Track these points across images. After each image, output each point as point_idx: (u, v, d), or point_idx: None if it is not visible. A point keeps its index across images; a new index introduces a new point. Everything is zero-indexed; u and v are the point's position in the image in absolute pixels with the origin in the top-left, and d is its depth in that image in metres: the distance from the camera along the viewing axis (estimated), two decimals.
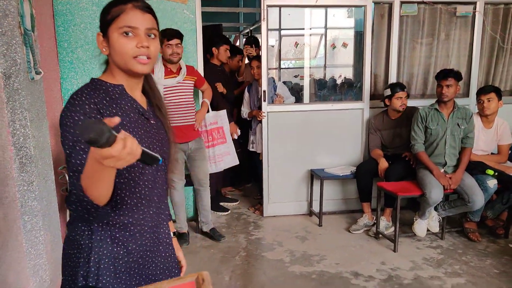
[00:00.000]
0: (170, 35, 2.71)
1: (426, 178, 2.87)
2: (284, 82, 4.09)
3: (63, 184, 2.56)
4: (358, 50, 3.87)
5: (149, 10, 1.00)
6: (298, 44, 5.08)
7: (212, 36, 3.77)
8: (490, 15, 3.69)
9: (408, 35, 3.65)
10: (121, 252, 1.00)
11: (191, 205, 3.48)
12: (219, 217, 3.57)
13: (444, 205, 2.98)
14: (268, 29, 3.33)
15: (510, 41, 3.80)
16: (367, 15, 3.46)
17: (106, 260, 0.98)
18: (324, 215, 3.43)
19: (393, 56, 3.59)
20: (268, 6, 3.29)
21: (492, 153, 3.26)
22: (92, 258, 0.97)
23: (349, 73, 4.86)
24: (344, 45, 4.83)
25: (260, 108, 3.43)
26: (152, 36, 0.99)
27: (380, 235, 3.09)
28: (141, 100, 1.09)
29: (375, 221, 3.16)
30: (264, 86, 3.34)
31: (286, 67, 5.85)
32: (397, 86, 3.21)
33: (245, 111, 3.65)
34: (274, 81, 3.63)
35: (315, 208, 3.52)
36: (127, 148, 0.69)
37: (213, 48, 3.52)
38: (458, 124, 2.95)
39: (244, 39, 5.11)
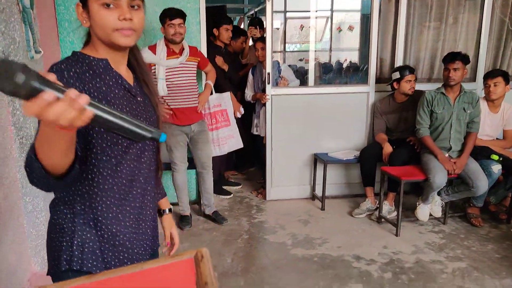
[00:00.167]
0: (172, 14, 2.65)
1: (430, 163, 2.85)
2: (289, 66, 4.03)
3: None
4: (364, 33, 3.80)
5: None
6: (303, 27, 5.00)
7: (214, 17, 3.70)
8: None
9: (416, 18, 3.57)
10: (105, 236, 0.97)
11: (193, 188, 3.48)
12: (222, 200, 3.58)
13: (448, 190, 2.97)
14: (273, 11, 3.26)
15: None
16: None
17: (91, 244, 0.96)
18: (327, 199, 3.43)
19: (400, 39, 3.53)
20: None
21: (497, 139, 3.22)
22: (75, 242, 0.95)
23: (354, 57, 4.79)
24: (350, 28, 4.75)
25: (264, 90, 3.39)
26: (136, 7, 0.92)
27: (383, 220, 3.09)
28: (127, 76, 1.03)
29: (378, 206, 3.15)
30: (269, 68, 3.29)
31: (291, 50, 5.77)
32: (406, 69, 3.16)
33: (248, 93, 3.61)
34: (278, 64, 3.58)
35: (318, 192, 3.52)
36: (57, 105, 0.59)
37: (214, 29, 3.46)
38: (464, 109, 2.91)
39: (248, 21, 5.02)
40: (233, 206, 3.46)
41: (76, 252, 0.94)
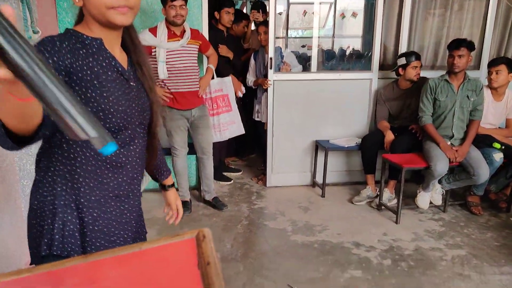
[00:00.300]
0: None
1: (432, 151, 2.83)
2: (292, 52, 3.97)
3: None
4: (368, 19, 3.74)
5: None
6: (306, 12, 4.91)
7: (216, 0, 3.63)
8: None
9: (421, 5, 3.51)
10: (86, 220, 0.94)
11: (193, 174, 3.47)
12: (222, 186, 3.58)
13: (449, 178, 2.96)
14: None
15: None
16: None
17: (71, 227, 0.92)
18: (328, 186, 3.42)
19: (404, 26, 3.48)
20: None
21: (499, 128, 3.20)
22: (56, 225, 0.91)
23: (357, 44, 4.72)
24: (354, 15, 4.67)
25: (266, 76, 3.35)
26: None
27: (383, 207, 3.09)
28: (121, 58, 0.98)
29: (378, 193, 3.14)
30: (271, 53, 3.24)
31: (293, 36, 5.69)
32: (413, 55, 3.13)
33: (250, 79, 3.56)
34: (281, 50, 3.52)
35: (319, 179, 3.51)
36: None
37: (215, 12, 3.39)
38: (467, 96, 2.88)
39: (251, 5, 4.93)
40: (233, 192, 3.46)
41: (57, 236, 0.91)
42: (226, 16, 3.38)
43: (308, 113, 3.47)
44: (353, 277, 2.24)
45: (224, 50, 3.35)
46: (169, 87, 2.76)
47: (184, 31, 2.74)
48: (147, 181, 2.93)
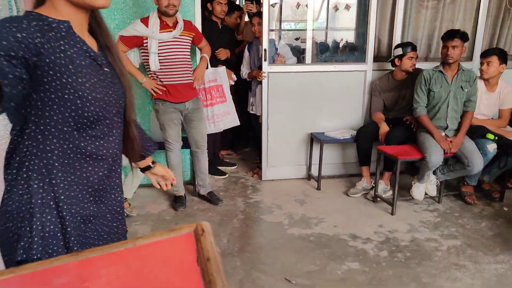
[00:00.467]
0: None
1: (426, 142, 2.84)
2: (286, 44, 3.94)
3: None
4: (362, 12, 3.72)
5: None
6: (300, 5, 4.87)
7: None
8: None
9: None
10: (67, 217, 0.87)
11: (188, 168, 3.43)
12: (217, 180, 3.55)
13: (443, 169, 2.97)
14: None
15: None
16: None
17: (52, 227, 0.85)
18: (323, 179, 3.42)
19: (398, 18, 3.47)
20: None
21: (492, 118, 3.22)
22: (35, 226, 0.83)
23: (351, 37, 4.70)
24: (347, 7, 4.64)
25: (260, 68, 3.31)
26: None
27: (378, 199, 3.09)
28: (90, 42, 0.92)
29: (373, 185, 3.15)
30: (265, 44, 3.21)
31: (287, 29, 5.65)
32: (409, 46, 3.12)
33: (244, 71, 3.52)
34: (275, 42, 3.49)
35: (314, 172, 3.50)
36: None
37: (208, 4, 3.34)
38: (461, 87, 2.89)
39: None
40: (229, 187, 3.43)
41: (36, 238, 0.83)
42: (218, 7, 3.33)
43: (303, 105, 3.45)
44: (350, 269, 2.24)
45: (223, 54, 3.31)
46: (161, 79, 2.71)
47: (177, 22, 2.68)
48: (137, 184, 2.91)
